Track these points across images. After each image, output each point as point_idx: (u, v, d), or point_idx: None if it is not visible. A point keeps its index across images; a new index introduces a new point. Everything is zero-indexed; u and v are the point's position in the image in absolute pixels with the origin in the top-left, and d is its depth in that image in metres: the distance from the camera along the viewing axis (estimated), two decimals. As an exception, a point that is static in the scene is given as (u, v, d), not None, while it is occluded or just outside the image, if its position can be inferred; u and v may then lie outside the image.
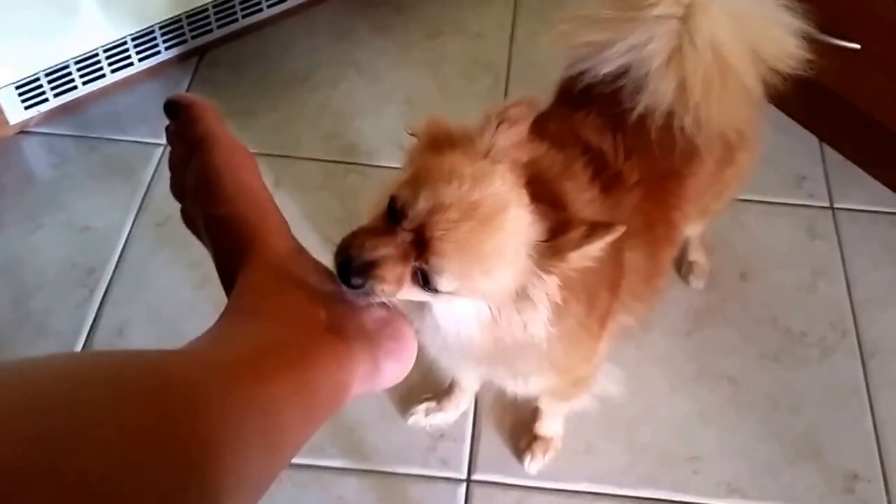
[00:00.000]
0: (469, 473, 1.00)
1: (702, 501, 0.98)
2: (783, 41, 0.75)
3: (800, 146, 1.32)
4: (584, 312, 0.66)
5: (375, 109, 1.35)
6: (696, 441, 1.03)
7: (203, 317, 1.12)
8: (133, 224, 1.21)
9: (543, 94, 0.84)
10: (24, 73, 1.24)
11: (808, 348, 1.12)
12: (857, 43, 1.14)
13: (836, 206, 1.26)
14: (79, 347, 1.08)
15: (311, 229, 1.18)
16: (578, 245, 0.53)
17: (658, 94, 0.71)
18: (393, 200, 0.51)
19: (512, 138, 0.54)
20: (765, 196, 1.25)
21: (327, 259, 0.45)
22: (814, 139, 1.33)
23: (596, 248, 0.53)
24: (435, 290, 0.51)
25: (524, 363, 0.66)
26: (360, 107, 1.35)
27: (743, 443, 1.03)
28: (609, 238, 0.53)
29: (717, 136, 0.74)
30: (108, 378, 0.27)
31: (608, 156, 0.72)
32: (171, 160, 0.43)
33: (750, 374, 1.09)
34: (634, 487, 0.99)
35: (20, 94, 1.26)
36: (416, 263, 0.50)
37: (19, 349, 1.08)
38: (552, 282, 0.54)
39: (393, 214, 0.51)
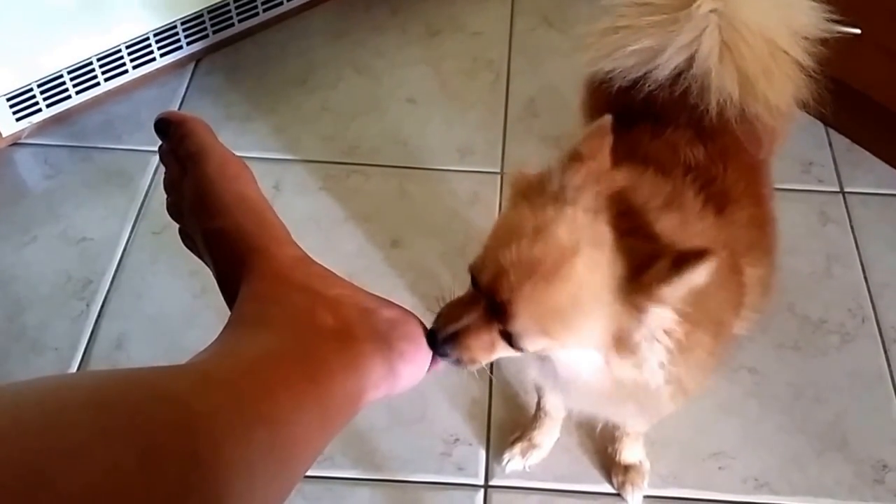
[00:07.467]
0: (486, 479, 0.90)
1: (730, 499, 0.89)
2: (808, 11, 0.72)
3: (805, 132, 1.24)
4: (712, 342, 0.58)
5: (376, 109, 1.26)
6: (720, 435, 0.94)
7: (205, 326, 1.04)
8: (131, 233, 1.11)
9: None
10: (16, 84, 1.15)
11: (828, 336, 1.03)
12: (858, 28, 1.08)
13: (846, 190, 1.18)
14: (76, 362, 0.98)
15: (313, 231, 1.10)
16: (667, 278, 0.45)
17: (724, 89, 0.66)
18: (470, 268, 0.50)
19: (586, 175, 0.48)
20: (773, 183, 1.17)
21: (340, 270, 0.38)
22: (819, 124, 1.25)
23: (695, 279, 0.45)
24: (522, 349, 0.49)
25: (653, 401, 0.59)
26: (359, 107, 1.27)
27: (767, 435, 0.94)
28: (704, 268, 0.44)
29: (784, 115, 0.71)
30: (92, 399, 0.25)
31: (711, 170, 0.65)
32: (165, 180, 0.40)
33: (770, 363, 1.00)
34: (659, 487, 0.90)
35: (12, 107, 1.17)
36: (500, 327, 0.49)
37: (13, 366, 0.98)
38: (666, 317, 0.48)
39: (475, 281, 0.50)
